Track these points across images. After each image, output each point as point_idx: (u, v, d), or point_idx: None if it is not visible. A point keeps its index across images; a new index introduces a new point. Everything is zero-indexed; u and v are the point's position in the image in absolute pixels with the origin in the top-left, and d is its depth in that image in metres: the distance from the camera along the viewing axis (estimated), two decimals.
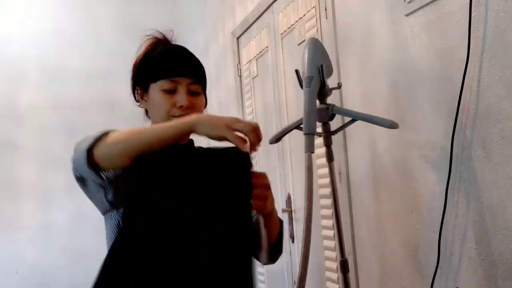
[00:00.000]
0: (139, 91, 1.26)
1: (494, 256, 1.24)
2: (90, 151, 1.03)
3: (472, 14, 1.23)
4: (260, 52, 2.76)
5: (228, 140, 0.96)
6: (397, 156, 1.61)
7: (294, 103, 2.34)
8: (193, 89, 1.22)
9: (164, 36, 1.29)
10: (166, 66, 1.22)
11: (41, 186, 3.84)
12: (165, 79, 1.20)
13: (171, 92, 1.20)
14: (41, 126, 3.88)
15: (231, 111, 3.23)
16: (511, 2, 1.15)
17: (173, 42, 1.31)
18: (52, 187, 3.84)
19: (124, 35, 3.87)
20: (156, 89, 1.21)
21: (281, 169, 2.51)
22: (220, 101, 3.51)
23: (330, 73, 1.47)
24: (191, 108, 1.20)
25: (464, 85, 1.27)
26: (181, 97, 1.20)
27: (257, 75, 2.85)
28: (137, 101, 1.29)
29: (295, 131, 1.60)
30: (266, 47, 2.65)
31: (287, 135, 1.67)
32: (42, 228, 3.76)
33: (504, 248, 1.21)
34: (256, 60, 2.83)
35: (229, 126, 0.96)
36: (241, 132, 0.97)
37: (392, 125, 1.40)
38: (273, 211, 1.16)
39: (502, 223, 1.21)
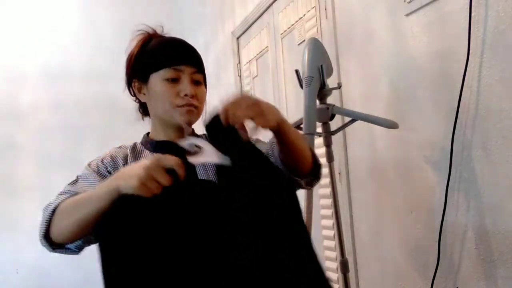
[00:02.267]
0: (136, 84, 1.23)
1: (494, 256, 1.24)
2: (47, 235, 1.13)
3: (472, 14, 1.23)
4: (260, 52, 2.76)
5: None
6: (397, 156, 1.61)
7: (294, 103, 2.34)
8: (196, 78, 1.20)
9: (155, 31, 1.27)
10: (169, 55, 1.20)
11: (41, 186, 3.84)
12: (168, 67, 1.18)
13: (174, 81, 1.18)
14: (41, 126, 3.88)
15: None
16: (511, 2, 1.15)
17: (165, 35, 1.29)
18: (52, 187, 3.84)
19: (124, 35, 3.85)
20: (158, 79, 1.18)
21: None
22: (220, 101, 3.50)
23: (330, 73, 1.47)
24: (195, 97, 1.18)
25: (464, 85, 1.27)
26: (185, 86, 1.17)
27: (257, 75, 2.85)
28: (133, 95, 1.26)
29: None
30: (266, 47, 2.65)
31: None
32: None
33: (504, 248, 1.21)
34: (256, 60, 2.83)
35: (144, 175, 0.87)
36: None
37: (392, 125, 1.40)
38: (281, 121, 1.00)
39: (502, 223, 1.21)
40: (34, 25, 3.93)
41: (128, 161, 1.17)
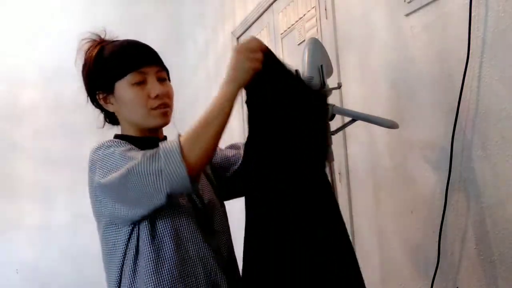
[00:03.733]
0: (101, 96, 1.19)
1: (494, 256, 1.24)
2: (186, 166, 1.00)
3: (472, 14, 1.23)
4: None
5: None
6: (397, 156, 1.61)
7: None
8: (161, 76, 1.19)
9: (100, 36, 1.24)
10: (130, 59, 1.17)
11: (41, 186, 3.84)
12: (132, 71, 1.15)
13: (141, 84, 1.16)
14: (41, 126, 3.88)
15: None
16: (511, 2, 1.15)
17: (113, 39, 1.25)
18: (52, 187, 3.84)
19: (124, 35, 3.85)
20: (124, 86, 1.15)
21: None
22: None
23: (330, 73, 1.47)
24: (166, 95, 1.18)
25: (464, 85, 1.27)
26: (155, 86, 1.16)
27: None
28: (99, 108, 1.23)
29: None
30: None
31: None
32: (42, 228, 3.76)
33: (504, 248, 1.21)
34: None
35: (252, 57, 1.05)
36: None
37: (392, 125, 1.40)
38: None
39: (502, 223, 1.21)
40: (34, 25, 3.93)
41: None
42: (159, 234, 1.10)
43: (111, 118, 1.26)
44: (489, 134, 1.23)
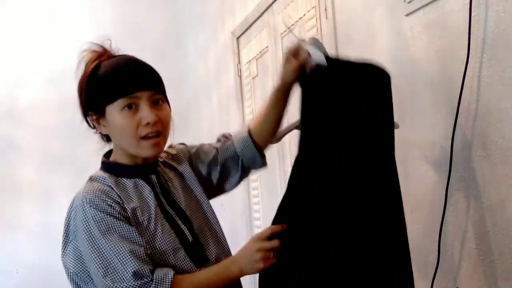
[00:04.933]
0: (93, 117, 1.14)
1: (494, 256, 1.24)
2: None
3: (472, 14, 1.23)
4: (260, 52, 2.76)
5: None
6: (397, 156, 1.61)
7: (294, 103, 2.34)
8: (155, 98, 1.13)
9: (103, 48, 1.18)
10: (121, 83, 1.09)
11: (41, 186, 3.84)
12: (123, 97, 1.08)
13: (132, 108, 1.09)
14: (41, 126, 3.88)
15: (231, 111, 3.23)
16: (511, 2, 1.15)
17: (115, 53, 1.19)
18: (52, 187, 3.84)
19: (124, 35, 3.85)
20: (114, 111, 1.09)
21: (281, 169, 2.51)
22: (220, 101, 3.51)
23: None
24: (159, 121, 1.11)
25: (464, 85, 1.27)
26: (146, 113, 1.09)
27: (257, 75, 2.84)
28: (93, 128, 1.18)
29: (296, 131, 1.59)
30: (266, 47, 2.65)
31: (287, 135, 1.67)
32: (42, 228, 3.76)
33: (504, 248, 1.21)
34: (256, 60, 2.83)
35: (262, 255, 1.07)
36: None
37: None
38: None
39: (502, 223, 1.21)
40: (33, 25, 3.93)
41: (120, 198, 1.11)
42: None
43: (107, 136, 1.21)
44: (489, 134, 1.23)
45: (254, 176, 2.78)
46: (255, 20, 2.79)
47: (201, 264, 1.16)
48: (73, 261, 1.11)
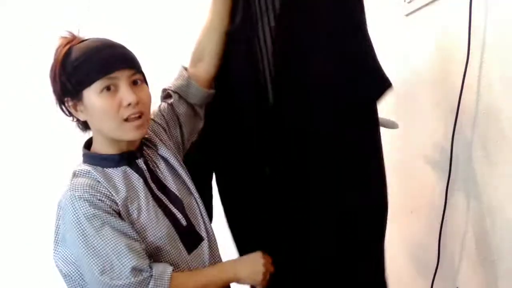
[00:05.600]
0: (70, 103, 1.08)
1: (494, 256, 1.24)
2: None
3: (472, 14, 1.23)
4: None
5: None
6: (397, 156, 1.61)
7: None
8: (135, 78, 1.07)
9: (72, 34, 1.11)
10: (97, 64, 1.04)
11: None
12: (100, 79, 1.03)
13: (111, 91, 1.04)
14: (41, 126, 3.87)
15: None
16: (511, 2, 1.15)
17: (84, 38, 1.12)
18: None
19: (124, 33, 3.83)
20: (92, 94, 1.03)
21: None
22: None
23: None
24: (140, 102, 1.06)
25: (464, 85, 1.27)
26: (127, 94, 1.04)
27: None
28: (70, 115, 1.11)
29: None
30: None
31: None
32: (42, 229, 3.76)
33: (504, 248, 1.21)
34: None
35: (264, 272, 1.13)
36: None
37: (392, 125, 1.40)
38: None
39: (502, 223, 1.21)
40: (34, 25, 3.93)
41: (109, 191, 1.07)
42: None
43: (84, 124, 1.14)
44: (489, 134, 1.23)
45: None
46: None
47: (197, 245, 1.16)
48: (63, 263, 1.08)
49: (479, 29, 1.23)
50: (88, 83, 1.03)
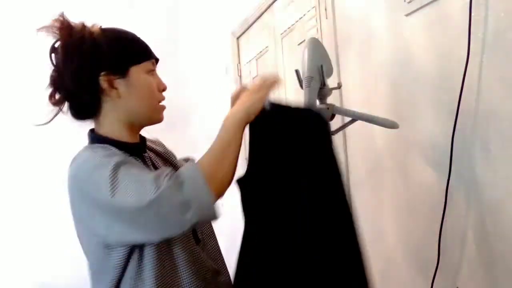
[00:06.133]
0: (105, 78, 1.08)
1: (494, 256, 1.24)
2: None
3: (472, 14, 1.23)
4: (260, 52, 2.76)
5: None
6: (397, 156, 1.61)
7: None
8: None
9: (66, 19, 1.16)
10: (144, 47, 1.14)
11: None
12: (148, 60, 1.12)
13: (152, 75, 1.14)
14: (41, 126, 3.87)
15: None
16: (511, 2, 1.15)
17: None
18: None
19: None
20: (141, 72, 1.11)
21: None
22: (220, 101, 3.51)
23: (330, 73, 1.47)
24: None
25: (464, 85, 1.27)
26: (161, 80, 1.16)
27: (257, 75, 2.85)
28: (94, 92, 1.09)
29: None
30: (266, 47, 2.65)
31: None
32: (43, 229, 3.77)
33: (504, 248, 1.21)
34: (256, 60, 2.83)
35: (264, 96, 1.06)
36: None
37: (392, 125, 1.40)
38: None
39: (502, 223, 1.21)
40: (33, 25, 3.92)
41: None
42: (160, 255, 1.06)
43: (84, 110, 1.14)
44: (489, 134, 1.23)
45: None
46: (255, 20, 2.79)
47: (198, 240, 1.17)
48: (86, 237, 1.08)
49: (479, 29, 1.23)
50: (137, 61, 1.10)
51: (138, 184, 0.94)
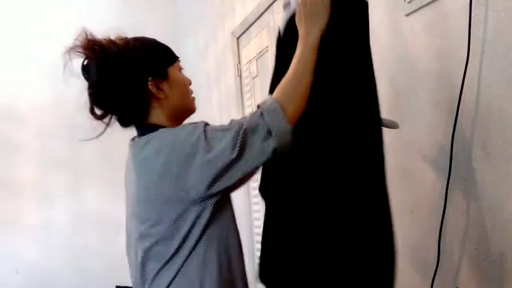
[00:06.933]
0: (153, 82, 1.17)
1: (494, 256, 1.24)
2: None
3: (472, 14, 1.23)
4: (260, 52, 2.76)
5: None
6: (397, 156, 1.61)
7: None
8: None
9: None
10: (170, 49, 1.27)
11: (41, 186, 3.84)
12: (178, 59, 1.26)
13: (181, 72, 1.27)
14: (41, 126, 3.88)
15: (231, 111, 3.23)
16: (511, 2, 1.15)
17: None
18: (52, 187, 3.84)
19: (124, 35, 3.83)
20: (176, 71, 1.24)
21: None
22: (220, 101, 3.51)
23: None
24: None
25: (464, 85, 1.27)
26: (185, 75, 1.28)
27: (257, 75, 2.84)
28: (144, 99, 1.17)
29: None
30: (266, 47, 2.65)
31: None
32: (42, 228, 3.77)
33: (504, 248, 1.21)
34: (256, 60, 2.83)
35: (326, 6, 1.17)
36: None
37: (392, 125, 1.40)
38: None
39: (502, 223, 1.21)
40: (34, 25, 3.93)
41: None
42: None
43: (134, 117, 1.21)
44: (489, 134, 1.23)
45: (254, 176, 2.77)
46: (255, 20, 2.79)
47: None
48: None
49: (479, 29, 1.23)
50: (172, 61, 1.23)
51: (227, 132, 1.08)
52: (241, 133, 1.06)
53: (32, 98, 3.88)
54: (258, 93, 2.83)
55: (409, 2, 1.47)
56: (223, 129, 1.09)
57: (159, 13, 4.17)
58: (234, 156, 1.05)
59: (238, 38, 3.11)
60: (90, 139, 1.22)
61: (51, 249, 3.77)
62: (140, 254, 1.15)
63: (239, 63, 3.12)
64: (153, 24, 4.08)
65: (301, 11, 1.18)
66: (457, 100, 1.29)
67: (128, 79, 1.16)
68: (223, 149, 1.05)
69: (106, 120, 1.21)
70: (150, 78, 1.17)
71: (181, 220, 1.08)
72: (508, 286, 1.21)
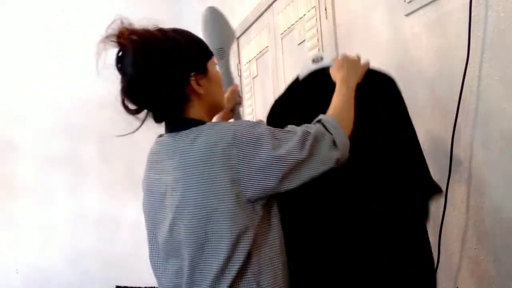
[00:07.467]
0: (194, 78, 1.10)
1: (494, 256, 1.24)
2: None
3: (472, 14, 1.23)
4: (260, 52, 2.76)
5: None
6: None
7: None
8: None
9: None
10: (205, 42, 1.22)
11: (41, 186, 3.84)
12: (212, 54, 1.20)
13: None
14: (41, 126, 3.88)
15: None
16: (511, 2, 1.15)
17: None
18: (52, 187, 3.84)
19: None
20: (212, 66, 1.18)
21: None
22: None
23: (233, 38, 1.57)
24: None
25: (464, 85, 1.27)
26: None
27: (257, 75, 2.85)
28: (187, 93, 1.10)
29: None
30: (266, 47, 2.65)
31: None
32: (42, 228, 3.76)
33: (504, 248, 1.21)
34: (256, 60, 2.83)
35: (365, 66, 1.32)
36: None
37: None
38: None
39: (502, 223, 1.21)
40: (34, 25, 3.93)
41: None
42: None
43: (171, 112, 1.13)
44: (489, 134, 1.23)
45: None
46: (255, 20, 2.79)
47: None
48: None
49: (479, 29, 1.23)
50: (209, 56, 1.17)
51: (292, 133, 1.08)
52: (309, 137, 1.06)
53: (32, 98, 3.88)
54: (258, 93, 2.83)
55: (409, 2, 1.47)
56: (287, 130, 1.08)
57: (159, 13, 4.16)
58: (304, 156, 1.04)
59: (238, 38, 3.12)
60: (124, 135, 1.16)
61: (51, 249, 3.77)
62: (187, 258, 1.06)
63: (239, 63, 3.12)
64: (153, 24, 4.08)
65: (344, 61, 1.28)
66: (457, 100, 1.29)
67: (171, 74, 1.08)
68: (292, 147, 1.04)
69: (140, 115, 1.14)
70: (192, 74, 1.10)
71: (237, 218, 1.02)
72: (508, 286, 1.21)
